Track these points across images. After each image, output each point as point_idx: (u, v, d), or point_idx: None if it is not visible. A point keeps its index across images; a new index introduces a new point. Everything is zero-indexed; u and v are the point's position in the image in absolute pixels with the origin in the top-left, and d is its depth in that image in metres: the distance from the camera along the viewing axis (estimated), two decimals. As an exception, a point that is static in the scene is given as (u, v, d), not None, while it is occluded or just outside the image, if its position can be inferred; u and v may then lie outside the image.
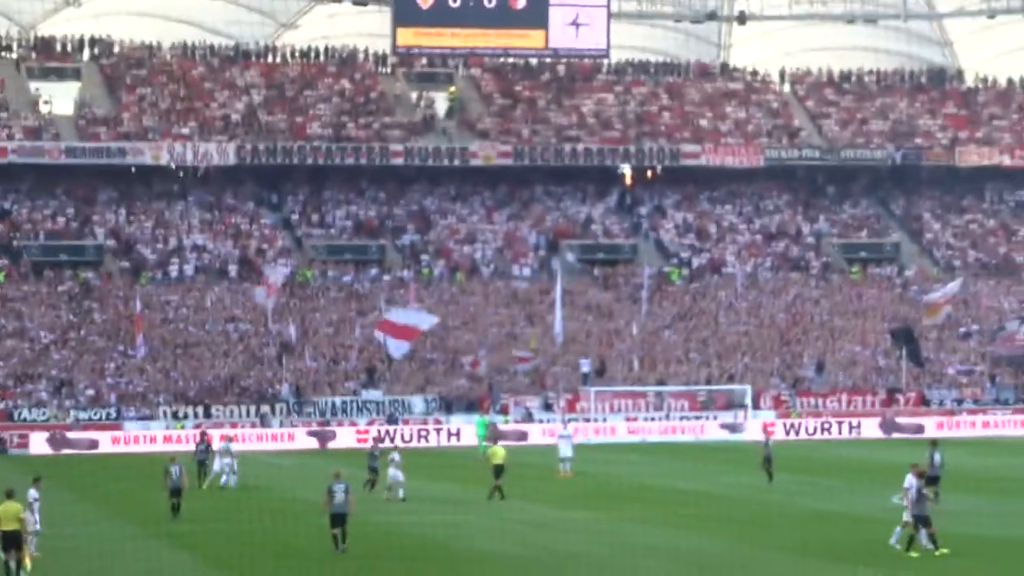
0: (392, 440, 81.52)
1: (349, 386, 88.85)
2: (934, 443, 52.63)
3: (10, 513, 35.50)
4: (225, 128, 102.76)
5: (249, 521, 45.99)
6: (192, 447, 64.11)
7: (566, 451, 61.65)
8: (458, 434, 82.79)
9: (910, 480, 37.88)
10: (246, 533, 43.08)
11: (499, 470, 51.99)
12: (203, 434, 64.17)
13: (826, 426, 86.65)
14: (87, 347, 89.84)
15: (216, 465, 57.99)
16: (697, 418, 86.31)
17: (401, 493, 50.92)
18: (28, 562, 35.34)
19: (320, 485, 53.20)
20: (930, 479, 48.54)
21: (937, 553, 36.63)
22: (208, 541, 42.36)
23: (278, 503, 50.98)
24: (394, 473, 51.01)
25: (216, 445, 60.64)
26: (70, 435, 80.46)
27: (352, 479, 41.54)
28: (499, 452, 53.21)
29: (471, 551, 39.61)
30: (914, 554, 36.60)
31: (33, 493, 39.17)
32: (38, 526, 38.70)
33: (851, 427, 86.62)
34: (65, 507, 48.63)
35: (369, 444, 62.02)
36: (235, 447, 61.86)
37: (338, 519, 38.54)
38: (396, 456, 51.76)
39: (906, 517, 37.86)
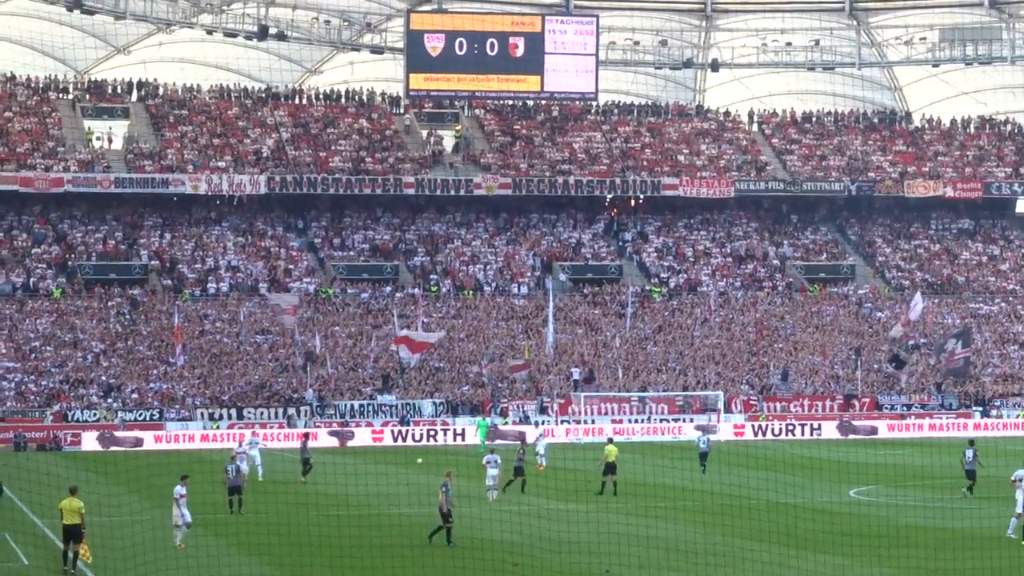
0: (404, 439, 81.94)
1: (366, 391, 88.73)
2: (971, 442, 52.67)
3: (72, 508, 35.16)
4: (257, 161, 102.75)
5: (278, 513, 45.94)
6: (226, 444, 64.23)
7: (541, 448, 63.05)
8: (463, 434, 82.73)
9: (1020, 473, 37.89)
10: (283, 525, 42.98)
11: (611, 467, 51.50)
12: (306, 435, 63.74)
13: (790, 428, 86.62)
14: (133, 356, 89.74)
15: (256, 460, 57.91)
16: (675, 420, 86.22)
17: (493, 495, 49.70)
18: (85, 554, 35.00)
19: (338, 480, 53.21)
20: (967, 473, 49.17)
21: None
22: (244, 531, 42.23)
23: (305, 496, 50.85)
24: (491, 473, 49.85)
25: (247, 443, 60.42)
26: (118, 434, 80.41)
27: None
28: (612, 451, 52.35)
29: (473, 539, 39.55)
30: None
31: (180, 489, 38.80)
32: (188, 519, 38.48)
33: (812, 429, 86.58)
34: (114, 499, 48.51)
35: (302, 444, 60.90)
36: (261, 445, 62.25)
37: (447, 516, 39.04)
38: (496, 458, 50.48)
39: (1019, 509, 37.70)
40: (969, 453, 50.82)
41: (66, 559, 35.05)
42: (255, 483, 54.89)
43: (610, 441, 56.15)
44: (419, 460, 66.68)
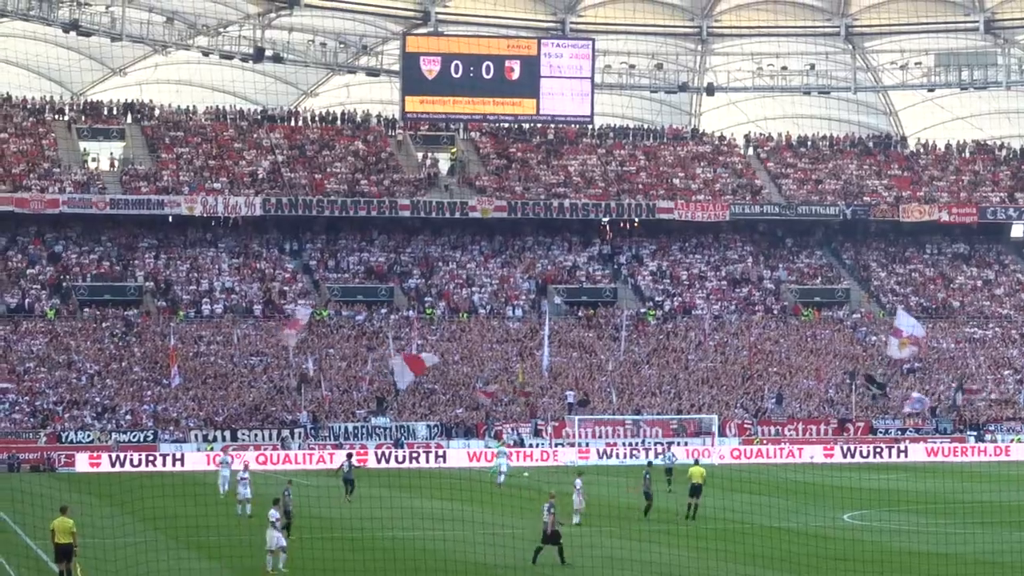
0: (399, 461, 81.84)
1: (360, 413, 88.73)
2: None
3: (64, 528, 35.27)
4: (252, 183, 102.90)
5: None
6: (216, 468, 64.22)
7: (503, 467, 66.31)
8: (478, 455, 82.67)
9: None
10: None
11: (696, 489, 51.24)
12: (349, 455, 63.78)
13: (785, 452, 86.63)
14: (128, 377, 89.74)
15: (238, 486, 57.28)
16: (669, 444, 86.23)
17: (575, 519, 49.14)
18: (79, 572, 35.09)
19: (333, 503, 53.21)
20: None
21: None
22: (229, 551, 42.23)
23: (305, 520, 50.79)
24: (577, 499, 49.30)
25: (236, 464, 60.33)
26: (111, 456, 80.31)
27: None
28: (697, 472, 52.02)
29: (466, 563, 39.58)
30: None
31: (274, 513, 38.73)
32: (282, 543, 38.13)
33: (807, 453, 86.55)
34: (106, 520, 48.50)
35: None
36: (255, 467, 62.56)
37: (552, 536, 39.44)
38: (579, 482, 50.02)
39: None
40: None
41: (61, 576, 35.18)
42: (231, 503, 54.69)
43: (696, 463, 55.24)
44: (526, 474, 69.87)
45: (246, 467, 57.46)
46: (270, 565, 37.86)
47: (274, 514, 38.64)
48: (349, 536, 45.92)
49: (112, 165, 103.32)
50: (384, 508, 52.09)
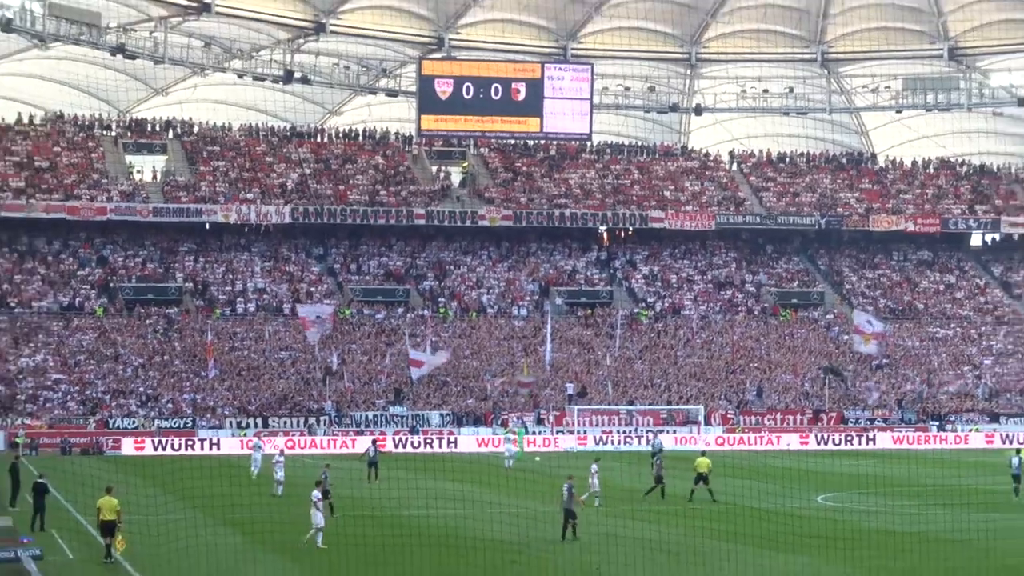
0: (415, 447, 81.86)
1: (379, 403, 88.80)
2: (1018, 451, 52.95)
3: (109, 506, 35.47)
4: (282, 193, 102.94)
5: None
6: (249, 452, 64.28)
7: (508, 452, 67.29)
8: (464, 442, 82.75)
9: None
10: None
11: (700, 478, 50.92)
12: (374, 441, 63.63)
13: (764, 439, 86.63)
14: (169, 369, 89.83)
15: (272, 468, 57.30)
16: (660, 431, 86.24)
17: (597, 501, 48.53)
18: (119, 543, 35.27)
19: (362, 486, 53.26)
20: (1014, 476, 49.53)
21: None
22: (267, 529, 42.30)
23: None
24: (593, 482, 48.72)
25: (269, 449, 60.36)
26: (154, 440, 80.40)
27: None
28: (703, 462, 51.68)
29: (472, 538, 39.66)
30: None
31: (316, 493, 38.70)
32: (319, 522, 38.00)
33: (784, 440, 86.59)
34: (149, 499, 48.60)
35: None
36: (269, 450, 62.96)
37: (570, 514, 39.60)
38: (595, 467, 49.48)
39: None
40: (1015, 460, 51.12)
41: (108, 551, 35.37)
42: (263, 484, 54.78)
43: (703, 454, 54.96)
44: (537, 459, 70.41)
45: (281, 452, 57.33)
46: (319, 541, 37.87)
47: (316, 495, 38.65)
48: (371, 514, 46.04)
49: (155, 177, 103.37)
50: (402, 488, 52.21)
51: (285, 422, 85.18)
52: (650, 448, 67.31)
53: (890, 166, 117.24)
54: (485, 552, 36.74)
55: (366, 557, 35.97)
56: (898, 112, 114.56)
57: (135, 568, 34.00)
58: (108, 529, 35.21)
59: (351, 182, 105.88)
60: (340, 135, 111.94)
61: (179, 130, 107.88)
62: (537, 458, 72.08)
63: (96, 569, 34.62)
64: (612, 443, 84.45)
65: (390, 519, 44.26)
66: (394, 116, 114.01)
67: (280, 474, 53.01)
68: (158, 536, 39.13)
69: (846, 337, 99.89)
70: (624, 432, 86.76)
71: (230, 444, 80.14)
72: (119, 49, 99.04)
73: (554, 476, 59.69)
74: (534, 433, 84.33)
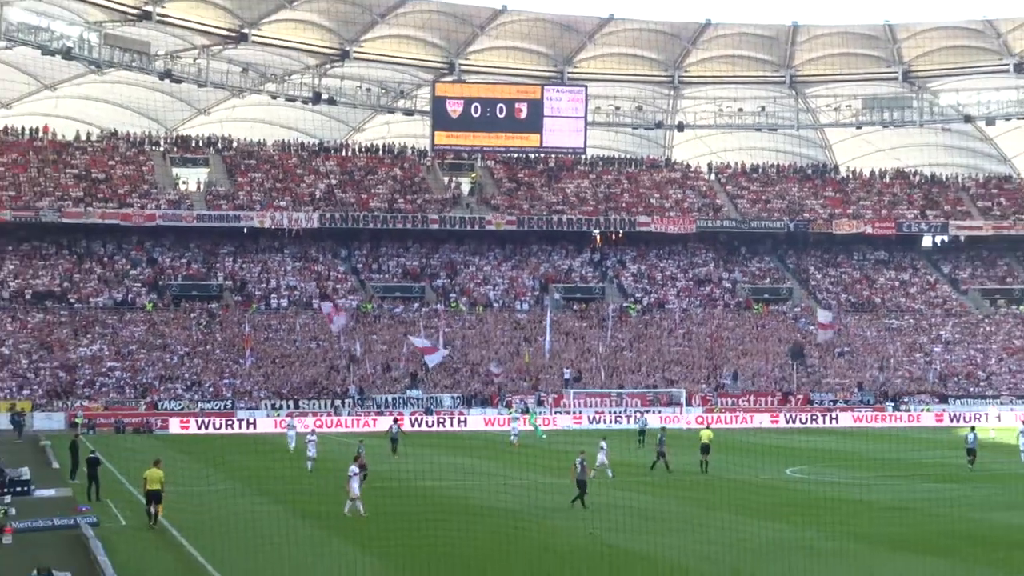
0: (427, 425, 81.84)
1: (398, 387, 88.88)
2: (972, 428, 53.18)
3: (155, 477, 35.59)
4: (311, 201, 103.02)
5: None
6: (283, 430, 64.29)
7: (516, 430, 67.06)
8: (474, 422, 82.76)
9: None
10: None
11: (705, 448, 50.78)
12: (395, 420, 63.41)
13: (739, 419, 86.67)
14: (211, 357, 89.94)
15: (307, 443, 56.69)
16: (646, 412, 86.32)
17: (610, 473, 47.94)
18: (160, 510, 35.40)
19: (384, 460, 53.28)
20: (968, 451, 49.63)
21: None
22: (300, 499, 42.35)
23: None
24: (602, 457, 47.96)
25: (301, 427, 60.29)
26: (198, 420, 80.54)
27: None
28: (706, 434, 51.59)
29: (482, 506, 39.76)
30: None
31: (353, 468, 38.22)
32: (355, 492, 37.22)
33: (757, 419, 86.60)
34: (193, 472, 48.73)
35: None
36: (301, 428, 62.84)
37: (581, 485, 39.34)
38: (603, 443, 48.77)
39: None
40: (971, 436, 51.35)
41: (150, 516, 35.52)
42: (299, 459, 54.73)
43: (708, 427, 54.62)
44: (543, 436, 71.61)
45: (313, 431, 56.78)
46: (362, 509, 37.34)
47: (353, 469, 38.49)
48: (392, 485, 46.13)
49: (198, 187, 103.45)
50: (418, 463, 52.30)
51: (314, 404, 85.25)
52: (638, 426, 67.87)
53: (851, 176, 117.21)
54: (494, 518, 36.81)
55: (388, 525, 36.05)
56: (858, 128, 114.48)
57: (180, 533, 34.10)
58: (153, 497, 35.34)
59: (372, 191, 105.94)
60: (362, 149, 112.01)
61: (220, 145, 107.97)
62: (544, 435, 72.36)
63: (145, 534, 34.70)
64: (604, 422, 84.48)
65: (407, 489, 44.32)
66: (410, 133, 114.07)
67: (312, 451, 52.45)
68: (201, 505, 39.25)
69: (811, 328, 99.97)
70: (615, 412, 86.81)
71: (265, 424, 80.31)
72: (166, 74, 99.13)
73: (555, 452, 59.81)
74: (535, 413, 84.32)
